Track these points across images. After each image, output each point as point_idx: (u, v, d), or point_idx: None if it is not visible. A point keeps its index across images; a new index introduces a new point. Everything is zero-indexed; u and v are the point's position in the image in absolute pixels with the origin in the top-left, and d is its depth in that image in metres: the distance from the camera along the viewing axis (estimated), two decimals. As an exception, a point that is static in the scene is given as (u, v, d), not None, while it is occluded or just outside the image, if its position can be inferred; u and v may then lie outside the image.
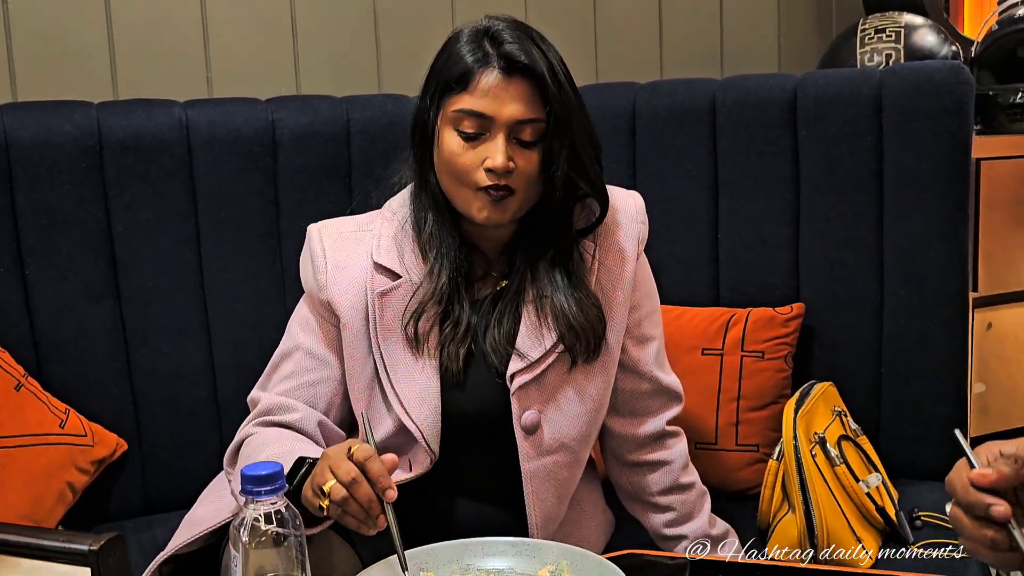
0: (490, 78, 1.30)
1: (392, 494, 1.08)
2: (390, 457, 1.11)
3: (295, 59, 2.28)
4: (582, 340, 1.38)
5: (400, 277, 1.38)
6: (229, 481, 1.43)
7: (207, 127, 1.83)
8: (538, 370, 1.37)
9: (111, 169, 1.78)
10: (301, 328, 1.43)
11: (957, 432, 0.92)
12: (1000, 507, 0.87)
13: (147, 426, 1.84)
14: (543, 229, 1.39)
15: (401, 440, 1.37)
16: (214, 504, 1.42)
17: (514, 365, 1.37)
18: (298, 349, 1.42)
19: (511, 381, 1.37)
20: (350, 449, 1.10)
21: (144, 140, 1.80)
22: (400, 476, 1.38)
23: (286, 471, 1.18)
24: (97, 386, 1.80)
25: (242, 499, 0.85)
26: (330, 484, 1.08)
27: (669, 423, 1.52)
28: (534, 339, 1.38)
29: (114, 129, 1.78)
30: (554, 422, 1.39)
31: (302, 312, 1.45)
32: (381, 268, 1.38)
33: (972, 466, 0.89)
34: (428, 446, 1.35)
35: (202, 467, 1.77)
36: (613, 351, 1.43)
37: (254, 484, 0.84)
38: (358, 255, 1.40)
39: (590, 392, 1.41)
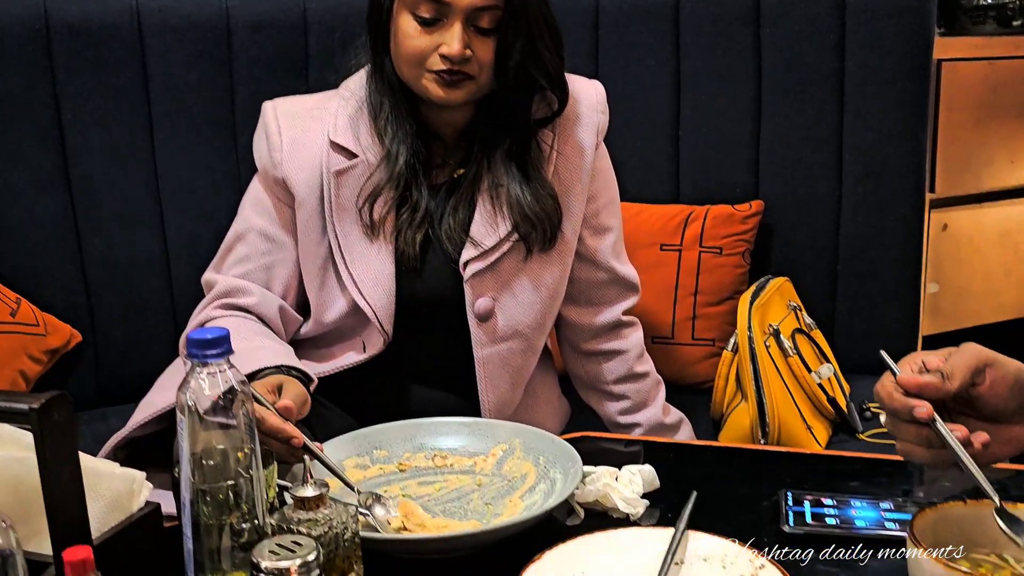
0: None
1: (297, 442, 1.06)
2: (283, 404, 1.09)
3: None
4: (537, 230, 1.37)
5: (356, 157, 1.36)
6: (185, 365, 1.42)
7: (159, 13, 1.78)
8: (492, 258, 1.37)
9: (59, 55, 1.72)
10: (254, 209, 1.42)
11: (883, 352, 0.93)
12: (922, 408, 0.88)
13: (101, 316, 1.82)
14: (501, 118, 1.37)
15: (355, 321, 1.38)
16: (171, 390, 1.41)
17: (467, 252, 1.36)
18: (252, 230, 1.41)
19: (464, 268, 1.37)
20: None
21: (93, 25, 1.74)
22: (354, 358, 1.38)
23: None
24: (49, 276, 1.77)
25: (188, 364, 0.84)
26: None
27: (625, 313, 1.53)
28: (488, 227, 1.37)
29: (62, 13, 1.72)
30: (508, 310, 1.39)
31: (255, 192, 1.43)
32: (338, 147, 1.37)
33: (895, 376, 0.91)
34: (381, 327, 1.35)
35: (157, 357, 1.75)
36: (570, 241, 1.43)
37: (200, 347, 0.83)
38: (314, 133, 1.38)
39: (545, 281, 1.41)
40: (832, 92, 1.84)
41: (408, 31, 1.29)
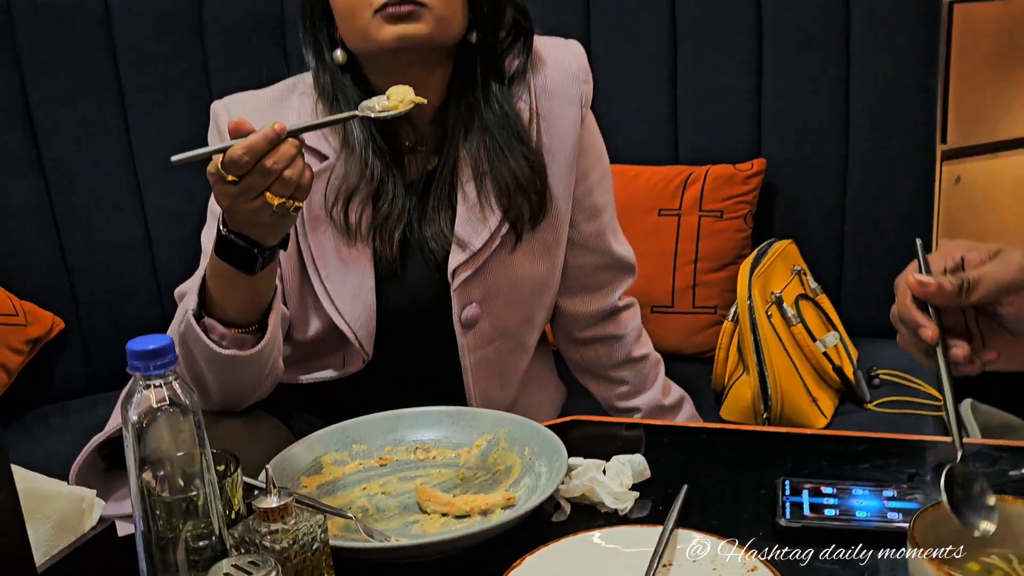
0: None
1: (280, 127, 0.96)
2: (232, 123, 0.97)
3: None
4: (527, 202, 1.24)
5: (327, 159, 1.23)
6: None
7: (124, -19, 1.71)
8: (481, 259, 1.24)
9: (22, 31, 1.67)
10: None
11: (919, 241, 0.86)
12: (928, 331, 0.81)
13: (85, 303, 1.79)
14: (475, 85, 1.23)
15: (333, 338, 1.27)
16: None
17: (455, 258, 1.24)
18: None
19: (453, 277, 1.24)
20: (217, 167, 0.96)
21: (56, -1, 1.68)
22: (332, 374, 1.30)
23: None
24: (27, 264, 1.74)
25: (131, 376, 0.79)
26: (271, 199, 0.96)
27: (622, 297, 1.41)
28: (476, 223, 1.24)
29: (22, -13, 1.66)
30: (494, 311, 1.28)
31: None
32: (305, 147, 1.19)
33: (921, 271, 0.83)
34: (362, 347, 1.25)
35: None
36: (560, 231, 1.30)
37: (142, 360, 0.78)
38: None
39: (534, 276, 1.30)
40: (837, 41, 1.76)
41: None
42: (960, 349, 0.82)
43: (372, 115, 1.07)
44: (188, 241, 1.71)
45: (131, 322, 1.81)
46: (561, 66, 1.29)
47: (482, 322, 1.28)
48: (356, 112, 1.07)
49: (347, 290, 1.24)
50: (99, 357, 1.80)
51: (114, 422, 1.29)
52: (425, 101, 1.09)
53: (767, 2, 1.77)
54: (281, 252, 1.18)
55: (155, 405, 0.79)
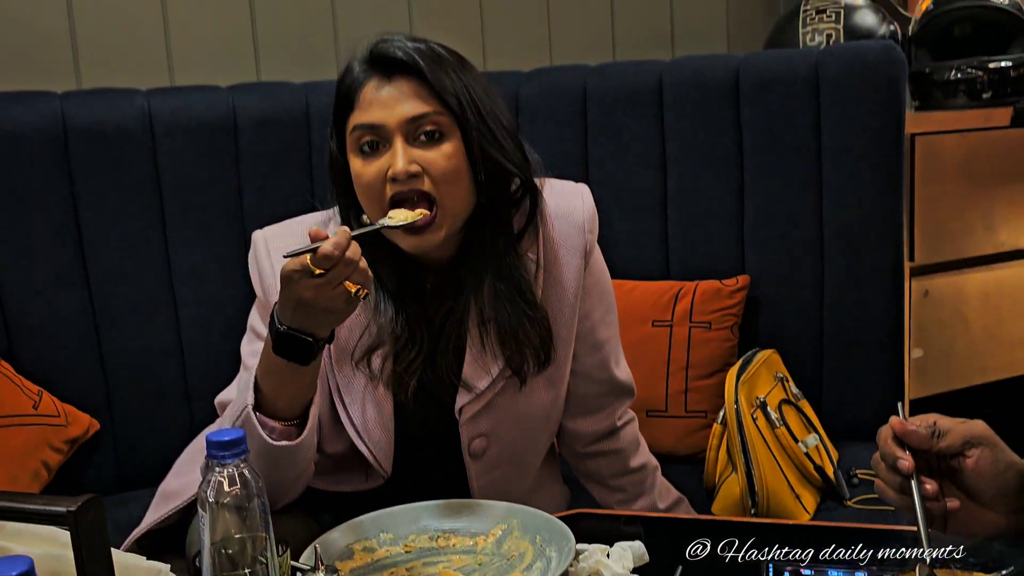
0: (372, 86, 1.25)
1: (346, 232, 1.11)
2: (313, 231, 1.11)
3: (255, 45, 2.32)
4: (529, 357, 1.34)
5: None
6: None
7: (169, 115, 1.89)
8: (486, 399, 1.36)
9: (77, 157, 1.83)
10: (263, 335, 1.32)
11: (900, 404, 1.03)
12: (905, 461, 0.97)
13: (119, 406, 1.90)
14: (485, 242, 1.32)
15: (357, 456, 1.38)
16: (187, 476, 1.44)
17: (462, 398, 1.35)
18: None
19: (460, 414, 1.36)
20: (302, 270, 1.10)
21: (108, 128, 1.85)
22: (354, 486, 1.41)
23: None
24: (69, 368, 1.85)
25: (208, 463, 0.92)
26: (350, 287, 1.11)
27: (620, 416, 1.52)
28: (480, 369, 1.34)
29: (78, 118, 1.83)
30: (501, 440, 1.39)
31: (261, 313, 1.38)
32: None
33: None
34: (381, 467, 1.38)
35: (173, 444, 1.80)
36: (562, 367, 1.41)
37: (218, 449, 0.91)
38: None
39: (539, 409, 1.41)
40: (810, 170, 1.93)
41: (359, 170, 1.26)
42: (930, 485, 0.98)
43: (391, 224, 1.23)
44: (215, 345, 1.87)
45: (159, 424, 1.92)
46: (568, 216, 1.38)
47: (490, 451, 1.40)
48: (378, 225, 1.23)
49: (368, 420, 1.36)
50: (129, 457, 1.91)
51: (152, 515, 1.40)
52: (428, 213, 1.24)
53: (747, 136, 1.95)
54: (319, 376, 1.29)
55: (227, 489, 0.92)
